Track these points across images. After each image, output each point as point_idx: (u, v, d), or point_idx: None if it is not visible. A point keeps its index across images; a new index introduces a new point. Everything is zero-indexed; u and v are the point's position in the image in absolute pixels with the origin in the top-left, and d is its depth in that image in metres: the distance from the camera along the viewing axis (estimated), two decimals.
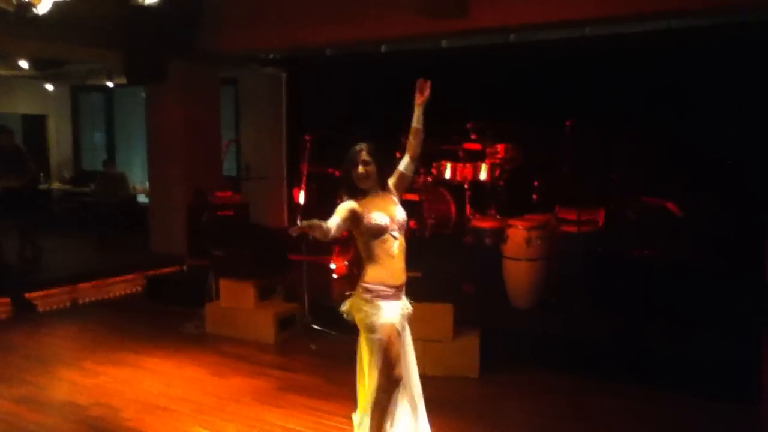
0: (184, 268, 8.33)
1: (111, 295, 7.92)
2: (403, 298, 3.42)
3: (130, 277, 8.19)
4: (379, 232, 3.29)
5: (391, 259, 3.32)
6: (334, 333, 5.98)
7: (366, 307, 3.30)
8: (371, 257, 3.33)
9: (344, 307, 3.42)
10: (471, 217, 7.02)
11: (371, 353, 3.33)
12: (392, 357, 3.30)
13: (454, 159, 7.19)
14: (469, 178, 7.04)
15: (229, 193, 7.94)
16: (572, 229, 6.22)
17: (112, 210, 10.12)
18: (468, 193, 7.10)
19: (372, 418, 3.38)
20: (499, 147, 7.04)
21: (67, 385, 5.13)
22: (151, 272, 8.25)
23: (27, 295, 7.15)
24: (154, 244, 9.16)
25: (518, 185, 7.05)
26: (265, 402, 4.71)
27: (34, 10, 4.71)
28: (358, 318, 3.35)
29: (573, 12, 6.05)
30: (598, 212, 6.56)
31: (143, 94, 9.58)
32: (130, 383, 5.09)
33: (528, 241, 5.98)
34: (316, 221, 3.01)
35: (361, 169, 3.32)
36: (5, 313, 6.93)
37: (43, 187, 11.47)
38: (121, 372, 5.35)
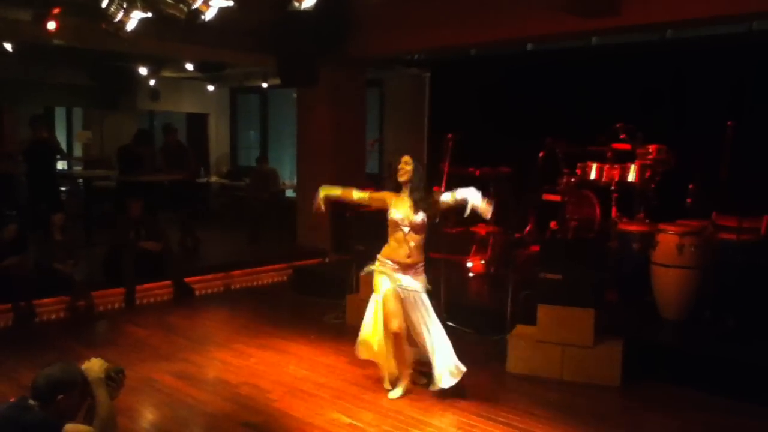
0: (327, 260, 8.67)
1: (260, 283, 8.43)
2: (412, 275, 4.58)
3: (277, 267, 8.65)
4: (395, 224, 4.55)
5: (398, 244, 4.54)
6: (470, 331, 5.99)
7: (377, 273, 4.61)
8: (388, 238, 4.61)
9: (367, 269, 4.72)
10: (617, 220, 6.71)
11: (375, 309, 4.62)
12: (387, 312, 4.53)
13: (601, 160, 6.91)
14: (617, 179, 6.72)
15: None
16: (731, 236, 5.78)
17: (263, 204, 10.73)
18: (615, 195, 6.79)
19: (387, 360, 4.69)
20: (651, 147, 6.65)
21: (220, 364, 5.51)
22: (296, 263, 8.67)
23: (186, 279, 7.76)
24: (300, 237, 9.58)
25: (671, 188, 6.63)
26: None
27: (202, 16, 5.10)
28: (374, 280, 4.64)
29: (739, 6, 5.62)
30: (760, 220, 6.05)
31: (294, 95, 10.05)
32: (276, 366, 5.39)
33: (680, 247, 5.64)
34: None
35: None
36: (167, 295, 7.57)
37: (202, 180, 12.35)
38: (268, 355, 5.67)
